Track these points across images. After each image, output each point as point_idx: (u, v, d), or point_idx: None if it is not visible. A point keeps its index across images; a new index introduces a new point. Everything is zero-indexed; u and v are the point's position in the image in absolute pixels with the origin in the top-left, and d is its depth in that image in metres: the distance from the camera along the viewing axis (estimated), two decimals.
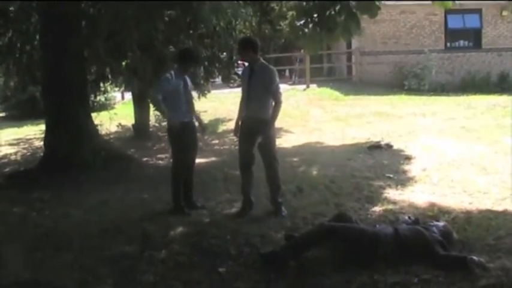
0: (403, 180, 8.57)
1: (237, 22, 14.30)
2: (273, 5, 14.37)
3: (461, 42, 24.92)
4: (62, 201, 8.21)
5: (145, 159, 11.51)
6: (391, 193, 7.85)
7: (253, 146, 7.04)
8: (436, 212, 6.87)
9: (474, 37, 24.77)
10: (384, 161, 9.89)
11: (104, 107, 22.73)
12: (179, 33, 12.34)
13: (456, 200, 7.41)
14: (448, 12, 23.52)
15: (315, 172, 9.48)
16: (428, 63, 23.08)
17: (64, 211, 7.66)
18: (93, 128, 10.59)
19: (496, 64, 24.17)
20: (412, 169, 9.25)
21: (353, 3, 6.60)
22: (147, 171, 9.97)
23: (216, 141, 13.95)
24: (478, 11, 24.12)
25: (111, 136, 16.05)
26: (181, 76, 7.28)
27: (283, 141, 12.67)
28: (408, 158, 10.07)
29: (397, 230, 5.42)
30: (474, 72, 23.50)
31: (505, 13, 23.86)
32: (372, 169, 9.35)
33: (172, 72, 7.26)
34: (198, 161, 10.52)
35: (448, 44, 24.57)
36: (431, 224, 5.78)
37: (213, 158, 11.29)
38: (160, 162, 10.76)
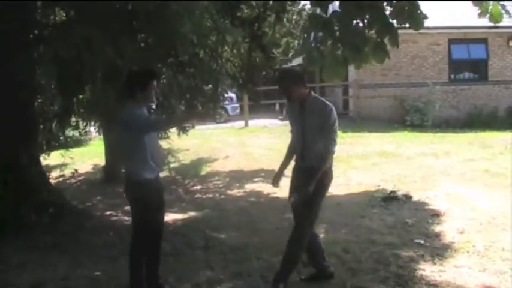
0: (438, 248, 6.54)
1: (224, 49, 12.38)
2: (266, 28, 12.46)
3: (467, 74, 23.20)
4: None
5: (108, 212, 9.39)
6: (428, 269, 5.84)
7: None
8: None
9: (480, 69, 23.11)
10: (406, 219, 7.86)
11: (78, 143, 20.83)
12: (155, 61, 10.37)
13: None
14: (451, 42, 22.06)
15: (321, 235, 7.40)
16: (432, 96, 21.37)
17: None
18: (40, 176, 8.44)
19: (504, 97, 22.58)
20: (445, 231, 7.23)
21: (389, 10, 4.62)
22: (106, 233, 7.76)
23: (198, 187, 11.86)
24: (484, 41, 22.55)
25: (80, 178, 14.06)
26: (140, 110, 5.24)
27: (277, 189, 10.69)
28: (437, 215, 8.05)
29: None
30: (481, 106, 21.73)
31: None
32: (395, 231, 7.32)
33: (130, 108, 5.20)
34: (171, 217, 8.57)
35: (452, 76, 22.88)
36: None
37: (192, 213, 9.16)
38: (125, 218, 8.58)
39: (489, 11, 6.17)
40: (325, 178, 5.23)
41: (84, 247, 7.09)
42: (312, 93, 5.27)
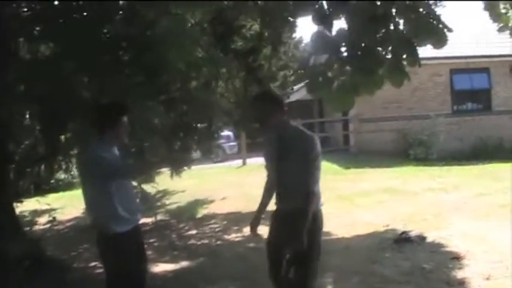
0: None
1: (218, 83, 11.70)
2: (262, 61, 11.81)
3: (470, 105, 22.58)
4: None
5: (93, 264, 8.53)
6: None
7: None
8: None
9: (483, 99, 22.51)
10: (423, 264, 7.03)
11: (70, 186, 20.13)
12: (145, 97, 9.66)
13: None
14: (453, 72, 21.52)
15: (329, 286, 6.61)
16: (435, 128, 20.66)
17: None
18: (13, 226, 7.63)
19: (509, 128, 21.71)
20: (469, 277, 6.41)
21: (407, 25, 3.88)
22: None
23: (193, 232, 11.04)
24: (486, 70, 21.98)
25: (69, 224, 13.30)
26: (108, 152, 4.47)
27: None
28: (456, 258, 7.22)
29: None
30: (486, 137, 20.97)
31: None
32: (412, 279, 6.49)
33: (95, 149, 4.46)
34: (162, 267, 7.78)
35: (455, 107, 22.23)
36: None
37: (185, 263, 8.32)
38: None
39: (510, 24, 5.46)
40: (318, 222, 4.45)
41: None
42: (292, 122, 4.51)
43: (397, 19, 4.20)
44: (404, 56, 4.35)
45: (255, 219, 4.79)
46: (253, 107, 4.62)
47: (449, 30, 4.12)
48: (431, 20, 4.07)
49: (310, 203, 4.24)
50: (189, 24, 8.92)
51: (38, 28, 8.95)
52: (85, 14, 7.73)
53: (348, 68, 4.39)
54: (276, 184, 4.57)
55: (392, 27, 4.17)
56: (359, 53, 4.20)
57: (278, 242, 4.45)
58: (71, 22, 7.54)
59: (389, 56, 4.38)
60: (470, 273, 6.57)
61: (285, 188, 4.47)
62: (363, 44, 4.19)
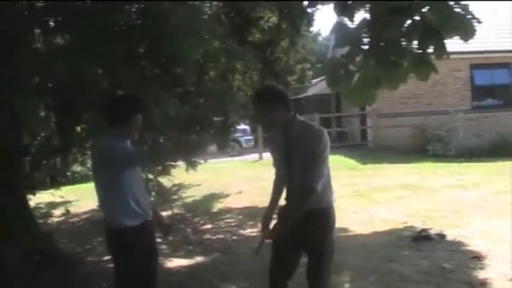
0: None
1: (235, 77, 11.54)
2: (279, 54, 11.65)
3: (490, 101, 22.20)
4: None
5: (106, 258, 8.44)
6: None
7: (295, 260, 4.42)
8: None
9: (504, 95, 22.08)
10: (443, 263, 6.85)
11: (86, 178, 20.12)
12: (160, 90, 9.54)
13: None
14: (473, 67, 21.17)
15: (346, 285, 6.45)
16: (454, 124, 20.35)
17: None
18: (26, 219, 7.53)
19: None
20: (491, 278, 6.21)
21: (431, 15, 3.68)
22: (98, 284, 6.83)
23: (208, 226, 10.91)
24: (507, 66, 21.57)
25: (84, 216, 13.23)
26: (123, 144, 4.34)
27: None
28: (477, 257, 7.04)
29: None
30: (506, 134, 20.59)
31: None
32: (432, 278, 6.30)
33: (107, 140, 4.34)
34: (176, 263, 7.67)
35: (475, 103, 21.87)
36: None
37: (199, 258, 8.19)
38: None
39: None
40: (329, 219, 4.31)
41: None
42: (298, 116, 4.28)
43: (423, 9, 3.99)
44: (431, 49, 4.15)
45: (266, 215, 4.62)
46: (255, 105, 4.34)
47: (478, 21, 3.90)
48: (459, 11, 3.86)
49: (305, 198, 4.04)
50: (206, 16, 8.77)
51: (52, 19, 8.91)
52: (100, 5, 7.60)
53: (370, 61, 4.20)
54: (286, 180, 4.42)
55: (418, 18, 3.97)
56: (382, 44, 4.00)
57: (292, 235, 4.29)
58: (85, 13, 7.43)
59: (414, 48, 4.18)
60: (492, 273, 6.38)
61: (292, 184, 4.28)
62: (386, 36, 3.98)
